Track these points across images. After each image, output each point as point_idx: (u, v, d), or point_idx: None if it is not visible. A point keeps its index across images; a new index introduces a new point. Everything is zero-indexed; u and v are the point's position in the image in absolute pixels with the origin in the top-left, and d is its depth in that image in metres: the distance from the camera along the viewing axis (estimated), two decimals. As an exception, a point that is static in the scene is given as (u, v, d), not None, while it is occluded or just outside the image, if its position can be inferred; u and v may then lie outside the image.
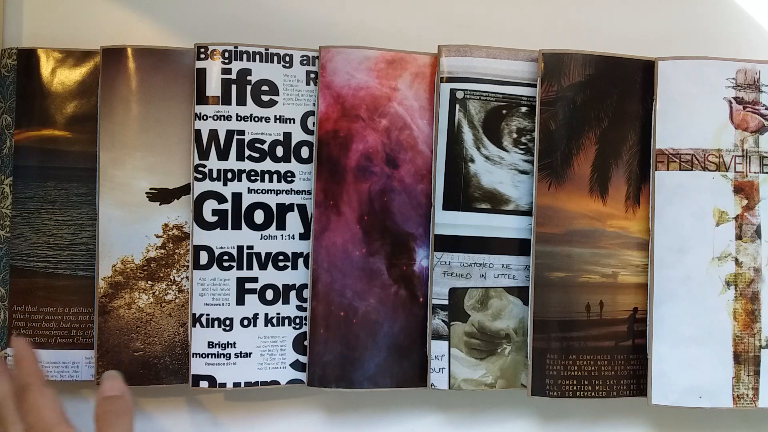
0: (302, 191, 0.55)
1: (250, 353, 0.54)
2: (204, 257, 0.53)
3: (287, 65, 0.54)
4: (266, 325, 0.55)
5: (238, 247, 0.54)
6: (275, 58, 0.54)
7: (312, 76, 0.55)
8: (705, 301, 0.52)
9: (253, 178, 0.54)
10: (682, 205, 0.52)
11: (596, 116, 0.53)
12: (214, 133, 0.53)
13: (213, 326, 0.54)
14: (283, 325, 0.55)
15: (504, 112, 0.54)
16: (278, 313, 0.55)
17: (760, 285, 0.52)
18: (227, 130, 0.54)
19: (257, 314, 0.54)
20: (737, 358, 0.52)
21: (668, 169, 0.52)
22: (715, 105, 0.52)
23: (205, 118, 0.53)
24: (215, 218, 0.54)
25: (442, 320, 0.54)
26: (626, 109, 0.53)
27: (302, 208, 0.55)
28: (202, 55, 0.53)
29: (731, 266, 0.52)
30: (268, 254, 0.54)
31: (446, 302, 0.54)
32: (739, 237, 0.52)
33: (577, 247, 0.53)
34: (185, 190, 0.54)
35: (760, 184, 0.52)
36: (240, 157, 0.54)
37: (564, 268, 0.53)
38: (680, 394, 0.51)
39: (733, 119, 0.52)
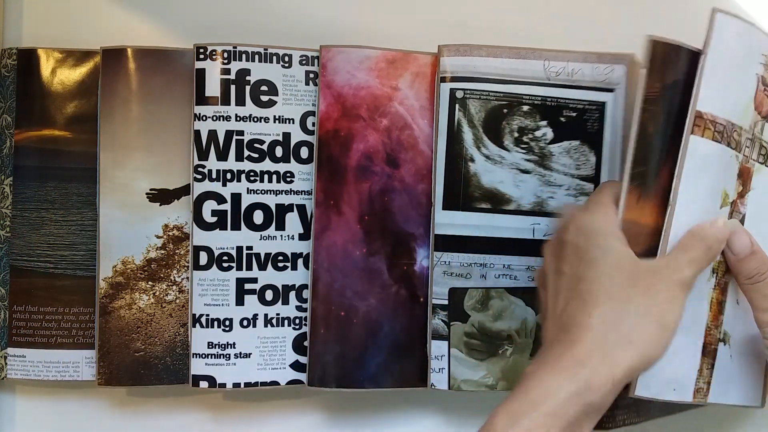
0: (302, 191, 0.55)
1: (250, 354, 0.54)
2: (204, 258, 0.53)
3: (286, 65, 0.54)
4: (266, 325, 0.55)
5: (237, 247, 0.54)
6: (274, 58, 0.54)
7: (311, 76, 0.55)
8: (698, 286, 0.46)
9: (252, 178, 0.54)
10: (704, 179, 0.45)
11: (674, 124, 0.45)
12: (213, 134, 0.53)
13: (213, 327, 0.54)
14: (282, 325, 0.55)
15: (505, 111, 0.54)
16: (278, 314, 0.55)
17: (729, 276, 0.48)
18: (226, 131, 0.53)
19: (257, 315, 0.54)
20: (704, 349, 0.47)
21: (703, 136, 0.44)
22: (748, 78, 0.46)
23: (204, 118, 0.53)
24: (215, 219, 0.53)
25: (442, 320, 0.54)
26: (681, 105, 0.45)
27: (302, 209, 0.55)
28: (202, 56, 0.53)
29: None
30: (267, 255, 0.54)
31: (446, 302, 0.54)
32: None
33: None
34: (185, 190, 0.54)
35: (754, 173, 0.48)
36: (239, 157, 0.54)
37: None
38: (661, 385, 0.46)
39: (756, 98, 0.46)
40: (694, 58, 0.44)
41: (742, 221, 0.47)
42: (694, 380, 0.47)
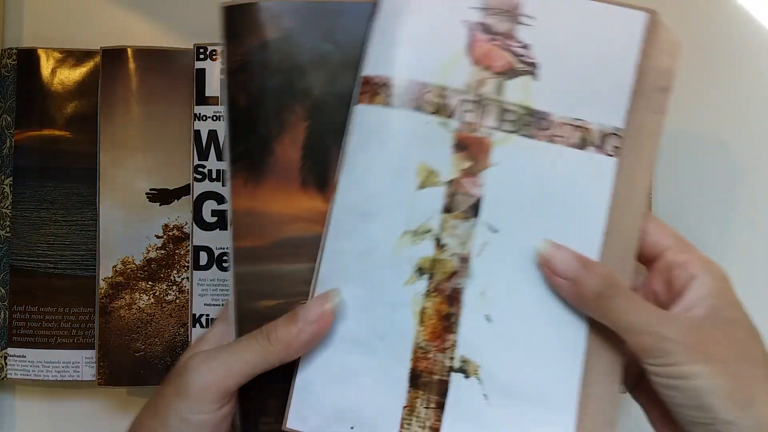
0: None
1: (250, 354, 0.54)
2: (204, 258, 0.53)
3: (286, 65, 0.54)
4: (266, 325, 0.54)
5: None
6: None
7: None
8: (384, 290, 0.36)
9: (252, 178, 0.54)
10: (377, 154, 0.36)
11: (303, 83, 0.38)
12: (213, 134, 0.53)
13: (213, 327, 0.54)
14: (282, 325, 0.55)
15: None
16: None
17: (464, 281, 0.35)
18: (226, 131, 0.53)
19: (257, 315, 0.54)
20: (415, 379, 0.35)
21: (371, 103, 0.36)
22: (450, 28, 0.36)
23: (204, 118, 0.53)
24: (215, 219, 0.53)
25: None
26: (347, 69, 0.38)
27: (302, 209, 0.55)
28: (202, 56, 0.53)
29: (429, 247, 0.36)
30: (267, 255, 0.54)
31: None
32: (448, 209, 0.36)
33: (292, 262, 0.37)
34: (185, 190, 0.54)
35: (494, 145, 0.36)
36: (239, 157, 0.53)
37: (275, 293, 0.37)
38: (324, 418, 0.35)
39: (472, 51, 0.36)
40: (284, 10, 0.37)
41: (476, 206, 0.36)
42: (396, 421, 0.35)
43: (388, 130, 0.36)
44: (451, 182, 0.36)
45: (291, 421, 0.36)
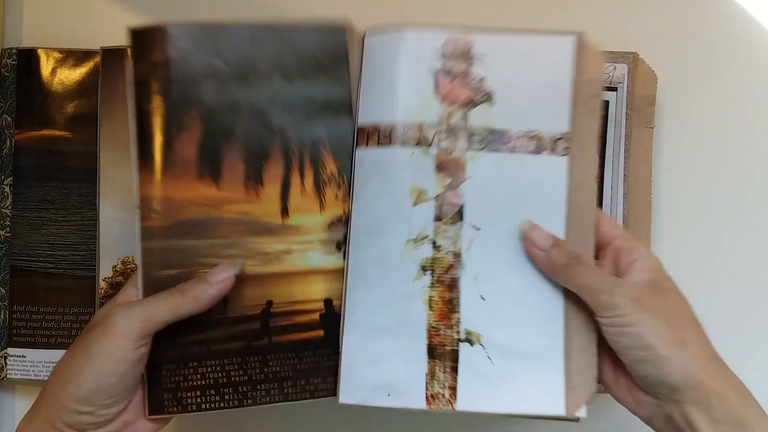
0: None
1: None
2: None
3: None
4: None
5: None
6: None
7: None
8: (398, 288, 0.45)
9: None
10: (378, 185, 0.46)
11: (198, 92, 0.46)
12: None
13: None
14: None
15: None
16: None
17: (459, 271, 0.45)
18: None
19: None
20: (432, 351, 0.45)
21: (367, 146, 0.46)
22: (418, 76, 0.46)
23: (204, 118, 0.54)
24: (215, 218, 0.54)
25: None
26: (234, 81, 0.46)
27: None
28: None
29: (428, 249, 0.46)
30: (267, 254, 0.55)
31: None
32: (438, 218, 0.46)
33: (190, 239, 0.45)
34: (185, 190, 0.54)
35: (467, 162, 0.46)
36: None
37: (175, 264, 0.45)
38: (368, 391, 0.45)
39: (438, 91, 0.46)
40: (177, 34, 0.46)
41: (460, 212, 0.45)
42: (422, 385, 0.45)
43: (384, 165, 0.46)
44: (437, 197, 0.46)
45: (343, 397, 0.45)
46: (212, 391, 0.45)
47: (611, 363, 0.44)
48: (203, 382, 0.45)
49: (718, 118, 0.58)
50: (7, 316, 0.54)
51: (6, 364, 0.54)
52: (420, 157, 0.46)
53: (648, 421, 0.42)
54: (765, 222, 0.57)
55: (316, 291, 0.47)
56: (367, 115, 0.47)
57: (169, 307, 0.42)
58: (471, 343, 0.45)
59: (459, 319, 0.45)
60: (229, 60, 0.46)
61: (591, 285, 0.42)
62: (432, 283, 0.45)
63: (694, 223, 0.57)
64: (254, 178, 0.46)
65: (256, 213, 0.46)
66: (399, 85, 0.46)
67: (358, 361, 0.45)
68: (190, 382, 0.45)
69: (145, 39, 0.46)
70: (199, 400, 0.45)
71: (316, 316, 0.47)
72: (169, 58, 0.46)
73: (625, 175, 0.54)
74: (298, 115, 0.47)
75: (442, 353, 0.45)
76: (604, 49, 0.50)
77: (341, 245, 0.47)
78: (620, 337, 0.40)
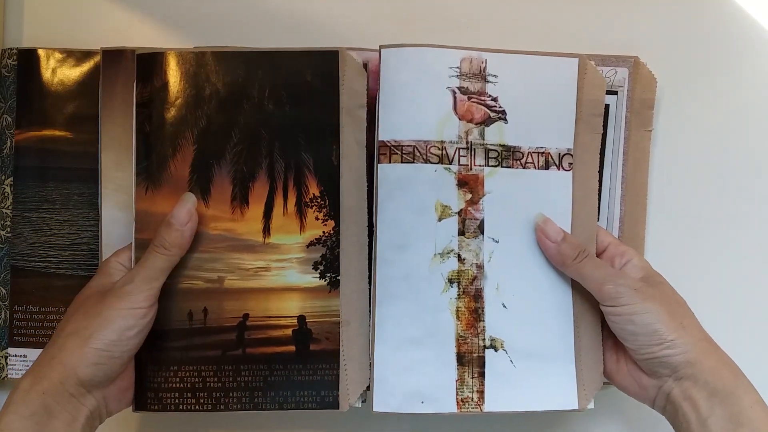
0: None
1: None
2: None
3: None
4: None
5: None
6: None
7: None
8: (427, 300, 0.48)
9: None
10: (403, 200, 0.48)
11: (193, 116, 0.49)
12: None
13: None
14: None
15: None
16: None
17: (483, 282, 0.49)
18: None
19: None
20: (461, 359, 0.48)
21: (390, 162, 0.48)
22: (438, 95, 0.48)
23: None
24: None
25: None
26: (227, 106, 0.49)
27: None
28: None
29: (453, 263, 0.49)
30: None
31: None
32: (462, 232, 0.49)
33: None
34: (185, 190, 0.55)
35: (485, 178, 0.49)
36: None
37: None
38: (401, 399, 0.48)
39: (457, 110, 0.49)
40: (181, 58, 0.49)
41: (481, 226, 0.49)
42: (452, 391, 0.48)
43: (408, 181, 0.48)
44: (460, 212, 0.49)
45: (377, 405, 0.48)
46: (189, 394, 0.49)
47: (614, 354, 0.49)
48: (181, 385, 0.49)
49: (715, 121, 0.58)
50: (8, 316, 0.54)
51: (7, 364, 0.54)
52: (443, 174, 0.49)
53: (651, 403, 0.47)
54: (760, 224, 0.57)
55: (291, 308, 0.49)
56: (389, 131, 0.48)
57: (162, 261, 0.46)
58: (495, 349, 0.49)
59: (484, 327, 0.49)
60: (223, 85, 0.50)
61: (596, 276, 0.46)
62: (459, 295, 0.49)
63: (689, 225, 0.57)
64: (240, 199, 0.50)
65: (239, 231, 0.49)
66: (420, 103, 0.48)
67: (390, 371, 0.48)
68: (170, 384, 0.49)
69: (147, 64, 0.49)
70: (177, 401, 0.49)
71: (289, 331, 0.49)
72: (167, 82, 0.49)
73: (623, 176, 0.54)
74: (286, 139, 0.50)
75: (470, 360, 0.48)
76: (604, 52, 0.53)
77: (318, 265, 0.49)
78: (627, 325, 0.45)
